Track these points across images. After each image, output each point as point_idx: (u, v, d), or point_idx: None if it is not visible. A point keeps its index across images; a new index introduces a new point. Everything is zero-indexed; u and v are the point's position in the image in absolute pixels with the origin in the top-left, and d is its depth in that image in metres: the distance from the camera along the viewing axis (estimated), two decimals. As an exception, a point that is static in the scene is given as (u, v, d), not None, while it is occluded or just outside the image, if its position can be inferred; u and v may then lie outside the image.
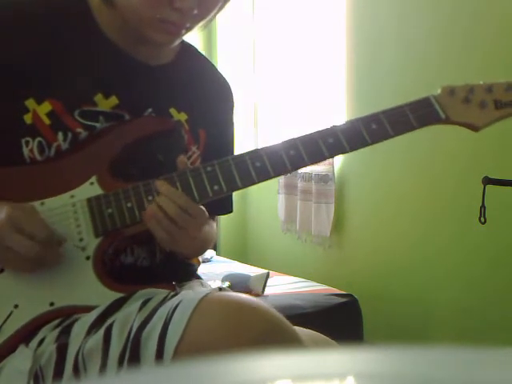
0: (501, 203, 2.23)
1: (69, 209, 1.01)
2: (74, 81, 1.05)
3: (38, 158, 1.02)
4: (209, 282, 1.32)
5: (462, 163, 2.53)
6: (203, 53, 1.30)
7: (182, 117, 1.14)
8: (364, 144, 1.02)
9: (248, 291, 2.58)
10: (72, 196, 1.02)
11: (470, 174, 2.38)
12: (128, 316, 0.89)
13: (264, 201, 3.83)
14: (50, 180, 1.03)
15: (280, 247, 3.72)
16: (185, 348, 0.81)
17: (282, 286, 2.84)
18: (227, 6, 1.08)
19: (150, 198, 1.00)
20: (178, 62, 1.16)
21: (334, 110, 3.25)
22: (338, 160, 3.20)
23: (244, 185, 1.01)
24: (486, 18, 2.43)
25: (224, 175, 1.00)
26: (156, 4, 0.99)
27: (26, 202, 0.98)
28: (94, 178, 1.03)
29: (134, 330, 0.86)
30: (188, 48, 1.21)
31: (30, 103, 1.02)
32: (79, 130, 1.04)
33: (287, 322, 0.85)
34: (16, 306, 0.97)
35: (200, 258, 1.29)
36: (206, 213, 1.01)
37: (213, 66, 1.28)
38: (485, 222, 1.88)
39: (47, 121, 1.02)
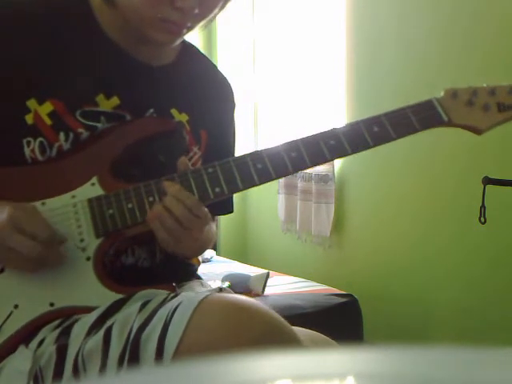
0: (501, 203, 2.23)
1: (70, 209, 1.01)
2: (75, 81, 1.05)
3: (40, 158, 1.02)
4: (209, 282, 1.32)
5: (462, 163, 2.53)
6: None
7: (184, 117, 1.14)
8: (366, 146, 1.02)
9: (248, 291, 2.58)
10: (73, 196, 1.02)
11: (470, 174, 2.38)
12: (128, 317, 0.89)
13: (264, 201, 3.84)
14: (51, 180, 1.03)
15: (280, 247, 3.72)
16: (184, 349, 0.81)
17: (282, 286, 2.84)
18: (228, 5, 1.08)
19: (151, 198, 1.00)
20: (180, 62, 1.16)
21: (333, 110, 3.25)
22: (338, 160, 3.20)
23: (245, 187, 1.01)
24: (486, 18, 2.43)
25: (225, 177, 1.00)
26: (157, 3, 0.99)
27: (27, 202, 0.98)
28: (95, 179, 1.03)
29: (134, 331, 0.86)
30: (189, 48, 1.21)
31: (32, 103, 1.02)
32: (81, 130, 1.04)
33: (286, 323, 0.85)
34: (16, 307, 0.97)
35: (200, 258, 1.29)
36: (210, 214, 1.01)
37: (214, 66, 1.27)
38: (485, 222, 1.88)
39: (49, 121, 1.02)
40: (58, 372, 0.89)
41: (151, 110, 1.10)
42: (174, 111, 1.13)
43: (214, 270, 3.16)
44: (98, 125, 1.05)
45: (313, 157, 1.01)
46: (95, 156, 1.04)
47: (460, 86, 1.07)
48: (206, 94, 1.19)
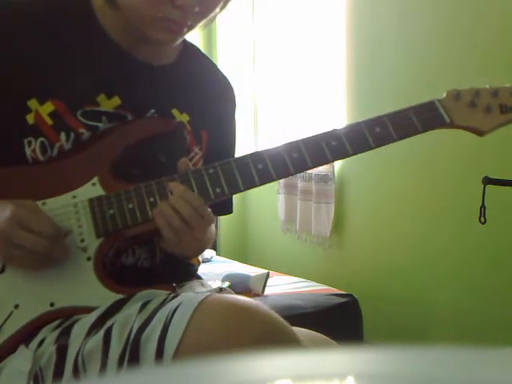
0: (501, 203, 2.23)
1: (70, 209, 1.01)
2: (76, 81, 1.05)
3: (41, 158, 1.02)
4: (209, 282, 1.32)
5: (462, 163, 2.53)
6: (203, 53, 1.30)
7: (185, 118, 1.14)
8: (367, 147, 1.02)
9: (248, 291, 2.58)
10: (74, 196, 1.02)
11: (470, 174, 2.38)
12: (128, 317, 0.89)
13: (264, 201, 3.83)
14: (52, 180, 1.03)
15: (280, 247, 3.72)
16: (184, 350, 0.81)
17: (282, 286, 2.84)
18: (228, 5, 1.08)
19: (152, 199, 1.00)
20: (181, 62, 1.16)
21: (333, 110, 3.25)
22: (338, 160, 3.20)
23: (246, 187, 1.01)
24: (486, 18, 2.43)
25: (226, 177, 1.00)
26: (157, 2, 0.99)
27: None
28: (95, 179, 1.03)
29: (134, 331, 0.86)
30: (190, 48, 1.21)
31: (33, 103, 1.02)
32: (82, 130, 1.04)
33: (286, 324, 0.85)
34: (16, 307, 0.97)
35: (200, 258, 1.29)
36: (212, 215, 1.01)
37: (215, 66, 1.27)
38: (485, 222, 1.88)
39: (50, 121, 1.02)
40: (58, 372, 0.89)
41: (152, 111, 1.10)
42: (175, 111, 1.13)
43: (214, 269, 3.16)
44: (100, 125, 1.05)
45: (314, 158, 1.01)
46: (96, 156, 1.04)
47: (462, 87, 1.06)
48: (206, 94, 1.19)
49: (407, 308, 2.81)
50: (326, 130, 1.04)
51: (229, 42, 4.08)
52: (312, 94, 3.43)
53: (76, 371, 0.88)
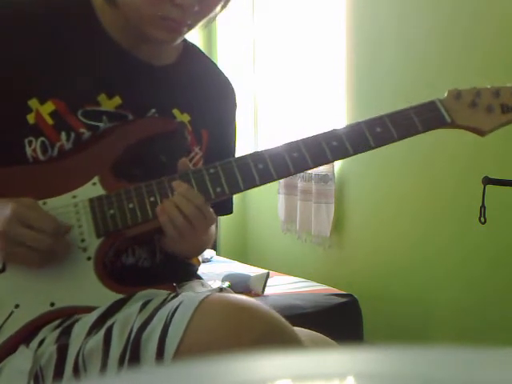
0: (501, 203, 2.23)
1: (71, 209, 1.01)
2: (77, 81, 1.05)
3: (41, 157, 1.02)
4: (209, 282, 1.32)
5: (462, 163, 2.53)
6: (203, 53, 1.30)
7: (185, 118, 1.14)
8: (368, 147, 1.02)
9: (248, 291, 2.59)
10: (74, 196, 1.02)
11: (470, 174, 2.38)
12: (128, 317, 0.89)
13: (264, 201, 3.83)
14: (53, 180, 1.03)
15: (280, 247, 3.72)
16: (185, 349, 0.81)
17: (282, 286, 2.84)
18: (229, 5, 1.08)
19: (152, 198, 1.00)
20: (181, 62, 1.16)
21: (333, 110, 3.25)
22: (338, 160, 3.20)
23: (246, 187, 1.01)
24: (486, 18, 2.43)
25: (227, 177, 1.00)
26: (157, 1, 0.99)
27: None
28: (96, 179, 1.03)
29: (135, 331, 0.86)
30: (191, 48, 1.21)
31: (33, 103, 1.02)
32: (82, 129, 1.04)
33: (287, 324, 0.85)
34: (17, 306, 0.97)
35: (200, 258, 1.29)
36: (214, 214, 1.01)
37: (216, 66, 1.27)
38: (485, 222, 1.88)
39: (50, 121, 1.02)
40: (59, 372, 0.89)
41: (153, 110, 1.10)
42: (175, 111, 1.13)
43: (214, 269, 3.16)
44: (100, 124, 1.05)
45: (315, 158, 1.01)
46: (96, 156, 1.05)
47: (463, 87, 1.06)
48: (207, 94, 1.19)
49: (407, 308, 2.81)
50: (326, 130, 1.04)
51: (229, 42, 4.08)
52: (312, 94, 3.43)
53: (76, 371, 0.88)
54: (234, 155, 1.20)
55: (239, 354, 0.37)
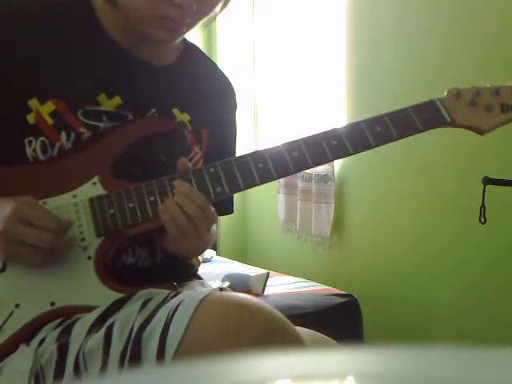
0: (501, 203, 2.23)
1: (71, 209, 1.01)
2: (77, 80, 1.06)
3: (41, 157, 1.03)
4: (209, 282, 1.32)
5: (462, 163, 2.53)
6: (203, 53, 1.30)
7: (185, 117, 1.14)
8: (368, 146, 1.02)
9: (248, 291, 2.58)
10: (74, 196, 1.02)
11: (470, 174, 2.38)
12: (129, 316, 0.89)
13: (264, 201, 3.84)
14: (53, 180, 1.03)
15: (280, 247, 3.72)
16: (186, 348, 0.81)
17: (282, 286, 2.85)
18: (229, 5, 1.08)
19: (152, 198, 1.00)
20: (181, 62, 1.17)
21: (333, 110, 3.25)
22: (338, 160, 3.20)
23: (246, 186, 1.01)
24: (486, 18, 2.43)
25: (226, 177, 1.00)
26: (155, 1, 0.99)
27: None
28: (96, 178, 1.03)
29: (135, 330, 0.86)
30: (191, 49, 1.21)
31: (33, 103, 1.02)
32: (82, 129, 1.04)
33: (288, 322, 0.85)
34: (17, 306, 0.97)
35: (200, 258, 1.29)
36: (215, 214, 1.01)
37: (216, 66, 1.28)
38: (485, 222, 1.88)
39: (50, 120, 1.02)
40: (59, 371, 0.89)
41: (153, 110, 1.10)
42: (175, 111, 1.13)
43: (214, 269, 3.16)
44: (100, 124, 1.05)
45: (315, 157, 1.01)
46: (96, 155, 1.05)
47: (463, 86, 1.06)
48: (207, 93, 1.20)
49: (407, 308, 2.81)
50: (326, 129, 1.04)
51: (229, 42, 4.08)
52: (312, 93, 3.43)
53: (77, 370, 0.88)
54: (234, 155, 1.20)
55: (239, 354, 0.37)
